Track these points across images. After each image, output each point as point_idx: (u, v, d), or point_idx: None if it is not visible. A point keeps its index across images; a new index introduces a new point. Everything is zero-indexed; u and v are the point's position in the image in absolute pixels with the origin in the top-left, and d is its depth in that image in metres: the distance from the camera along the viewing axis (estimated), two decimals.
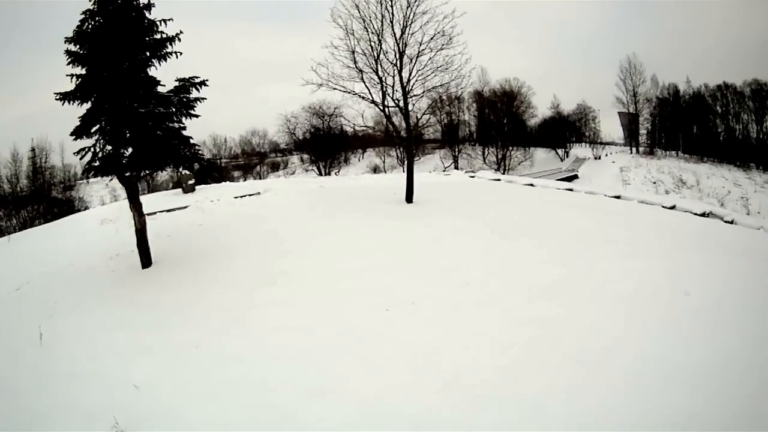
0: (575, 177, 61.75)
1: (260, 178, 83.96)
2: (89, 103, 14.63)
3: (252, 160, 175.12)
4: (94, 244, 18.98)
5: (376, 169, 76.77)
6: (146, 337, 11.01)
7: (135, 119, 14.57)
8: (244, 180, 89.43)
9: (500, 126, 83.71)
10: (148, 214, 18.32)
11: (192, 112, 15.78)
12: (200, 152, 16.60)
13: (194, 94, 15.78)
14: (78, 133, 14.70)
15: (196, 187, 30.28)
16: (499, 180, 38.12)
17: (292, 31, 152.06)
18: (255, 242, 17.40)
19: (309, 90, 24.15)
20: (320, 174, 55.71)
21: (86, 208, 68.63)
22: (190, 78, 15.69)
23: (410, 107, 24.86)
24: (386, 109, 24.85)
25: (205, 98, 16.03)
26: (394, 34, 23.69)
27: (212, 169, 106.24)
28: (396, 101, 24.60)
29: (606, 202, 27.22)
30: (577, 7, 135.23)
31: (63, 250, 19.03)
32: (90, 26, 14.41)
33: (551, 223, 19.55)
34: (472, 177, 40.90)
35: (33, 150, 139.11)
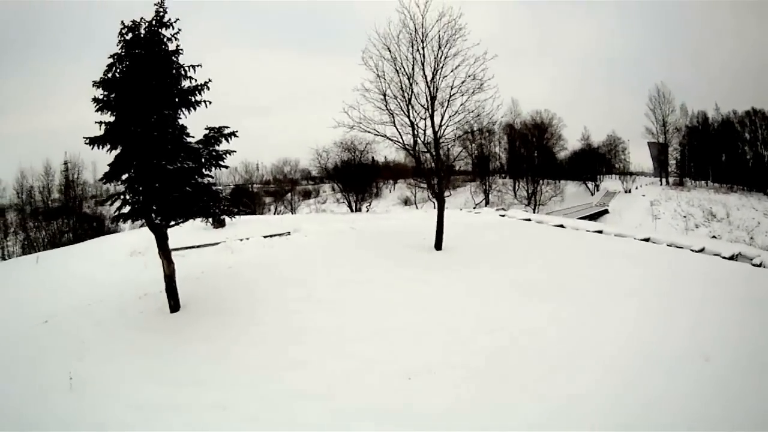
0: (606, 212, 62.13)
1: (291, 207, 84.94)
2: (118, 149, 15.15)
3: (284, 187, 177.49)
4: (123, 278, 19.84)
5: (406, 202, 77.68)
6: (175, 392, 11.42)
7: (163, 174, 14.92)
8: (275, 208, 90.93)
9: (531, 159, 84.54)
10: (177, 250, 19.52)
11: (221, 163, 16.39)
12: (230, 206, 17.49)
13: (223, 145, 16.25)
14: (108, 178, 15.56)
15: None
16: (529, 220, 38.84)
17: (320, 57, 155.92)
18: (282, 292, 18.15)
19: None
20: (351, 209, 56.73)
21: (115, 231, 70.87)
22: (220, 128, 16.18)
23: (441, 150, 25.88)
24: (417, 153, 25.91)
25: (235, 151, 16.57)
26: (425, 76, 24.57)
27: (243, 195, 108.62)
28: (427, 145, 25.63)
29: (635, 246, 27.52)
30: (604, 34, 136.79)
31: (91, 279, 20.25)
32: (117, 71, 14.92)
33: (577, 278, 19.96)
34: (503, 216, 41.82)
35: (66, 164, 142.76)
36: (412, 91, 24.80)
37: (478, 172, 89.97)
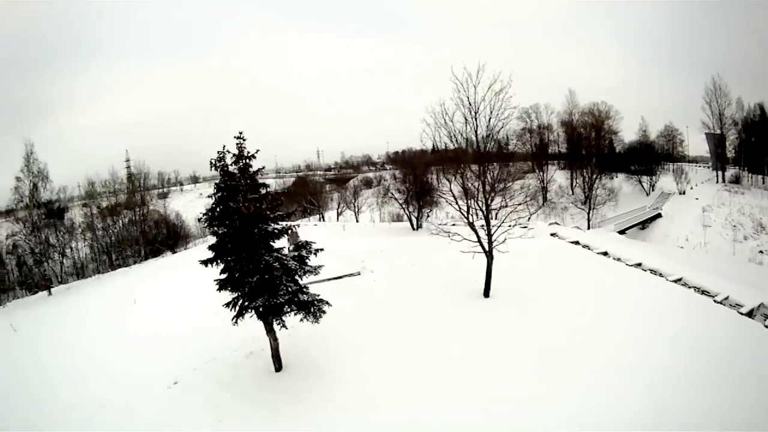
0: (659, 216, 64.35)
1: (354, 202, 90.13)
2: (223, 263, 20.20)
3: (345, 174, 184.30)
4: (223, 326, 22.79)
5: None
6: None
7: (265, 284, 19.81)
8: (338, 206, 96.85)
9: (588, 156, 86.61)
10: None
11: (306, 268, 20.99)
12: (321, 301, 21.34)
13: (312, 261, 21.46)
14: (222, 287, 20.54)
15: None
16: (577, 243, 42.88)
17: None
18: (358, 353, 23.43)
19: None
20: (412, 225, 60.37)
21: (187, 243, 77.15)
22: (307, 242, 21.56)
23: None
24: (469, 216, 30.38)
25: (322, 265, 21.75)
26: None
27: (306, 189, 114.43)
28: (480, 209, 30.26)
29: (663, 291, 31.03)
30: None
31: (195, 327, 27.05)
32: (218, 198, 19.98)
33: (593, 343, 23.41)
34: (553, 235, 45.87)
35: (128, 161, 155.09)
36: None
37: (536, 163, 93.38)
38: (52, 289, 53.31)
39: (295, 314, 20.86)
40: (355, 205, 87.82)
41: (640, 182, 79.62)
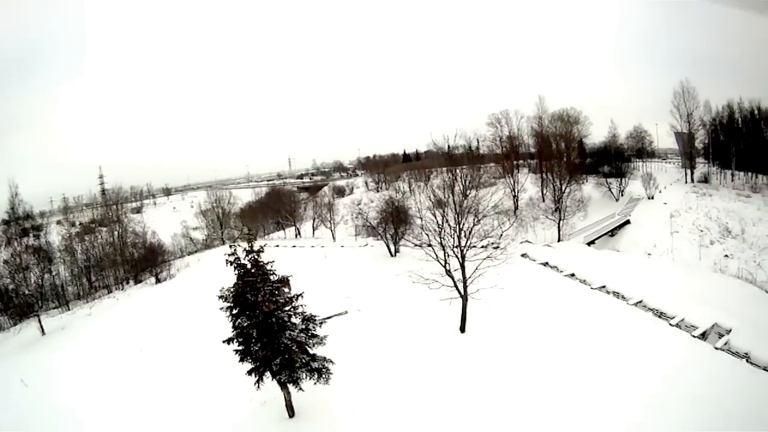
0: (627, 222, 65.84)
1: (331, 220, 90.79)
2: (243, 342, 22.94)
3: (317, 182, 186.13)
4: (240, 383, 25.83)
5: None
6: None
7: (285, 361, 22.60)
8: (313, 221, 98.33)
9: (558, 161, 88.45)
10: None
11: (315, 340, 23.90)
12: (326, 365, 23.85)
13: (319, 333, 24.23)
14: (242, 359, 23.03)
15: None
16: (546, 264, 44.84)
17: None
18: (358, 394, 25.96)
19: None
20: (390, 252, 61.87)
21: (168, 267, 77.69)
22: (312, 317, 24.16)
23: None
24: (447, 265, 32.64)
25: (326, 338, 24.31)
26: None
27: (280, 199, 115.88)
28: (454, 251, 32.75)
29: (623, 315, 33.12)
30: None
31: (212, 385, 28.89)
32: (237, 291, 22.64)
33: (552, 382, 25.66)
34: (524, 256, 47.55)
35: (101, 176, 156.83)
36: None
37: (507, 167, 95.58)
38: (44, 328, 52.70)
39: (309, 379, 23.46)
40: (332, 223, 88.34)
41: (610, 189, 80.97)
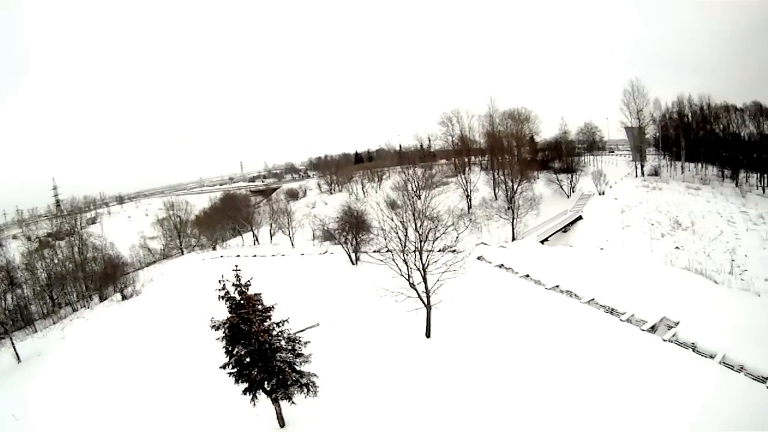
0: (580, 218, 66.80)
1: (289, 227, 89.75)
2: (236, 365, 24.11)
3: (270, 185, 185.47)
4: (231, 398, 26.83)
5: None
6: None
7: (273, 376, 24.21)
8: (270, 228, 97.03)
9: (509, 157, 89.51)
10: None
11: (302, 359, 25.38)
12: (313, 380, 25.40)
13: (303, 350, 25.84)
14: (237, 380, 24.23)
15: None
16: (502, 266, 45.12)
17: None
18: (339, 400, 27.33)
19: None
20: (351, 260, 61.88)
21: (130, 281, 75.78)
22: (298, 339, 25.73)
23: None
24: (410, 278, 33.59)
25: (310, 359, 25.77)
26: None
27: (234, 204, 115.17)
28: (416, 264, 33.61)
29: (576, 313, 33.76)
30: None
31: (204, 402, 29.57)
32: (231, 323, 23.85)
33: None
34: (480, 259, 47.72)
35: (55, 188, 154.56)
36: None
37: (459, 166, 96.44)
38: (19, 355, 50.82)
39: (299, 393, 25.13)
40: (290, 229, 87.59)
41: (561, 186, 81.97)
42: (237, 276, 24.32)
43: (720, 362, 25.58)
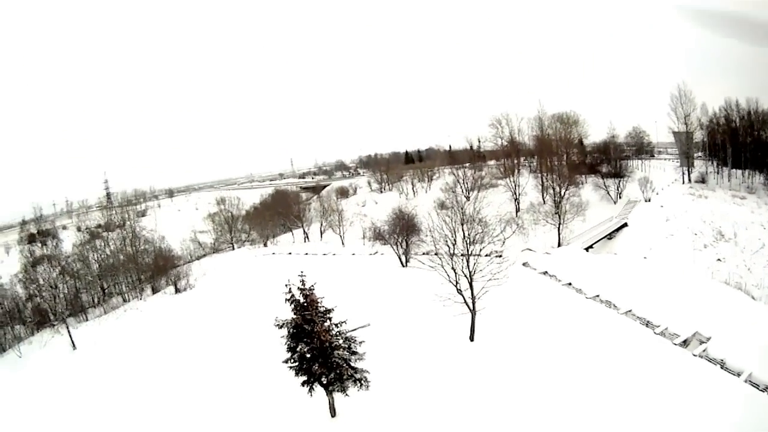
0: (625, 225, 68.30)
1: (340, 226, 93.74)
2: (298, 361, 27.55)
3: (321, 182, 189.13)
4: (289, 389, 30.51)
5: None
6: None
7: (331, 371, 27.48)
8: (321, 225, 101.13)
9: (558, 160, 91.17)
10: None
11: (357, 356, 28.70)
12: (365, 375, 28.58)
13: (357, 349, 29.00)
14: (297, 373, 27.78)
15: None
16: (546, 273, 48.04)
17: None
18: (386, 396, 30.27)
19: None
20: (400, 261, 65.67)
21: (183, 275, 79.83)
22: (353, 338, 28.96)
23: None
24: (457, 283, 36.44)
25: (364, 357, 29.05)
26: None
27: (285, 202, 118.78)
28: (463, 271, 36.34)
29: (614, 324, 36.29)
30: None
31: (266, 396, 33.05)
32: (294, 323, 27.30)
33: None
34: (525, 265, 50.44)
35: (106, 181, 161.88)
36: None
37: (509, 170, 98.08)
38: (75, 342, 55.46)
39: (353, 387, 28.20)
40: (341, 229, 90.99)
41: (608, 191, 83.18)
42: (302, 281, 27.25)
43: (745, 380, 26.78)
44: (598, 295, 41.37)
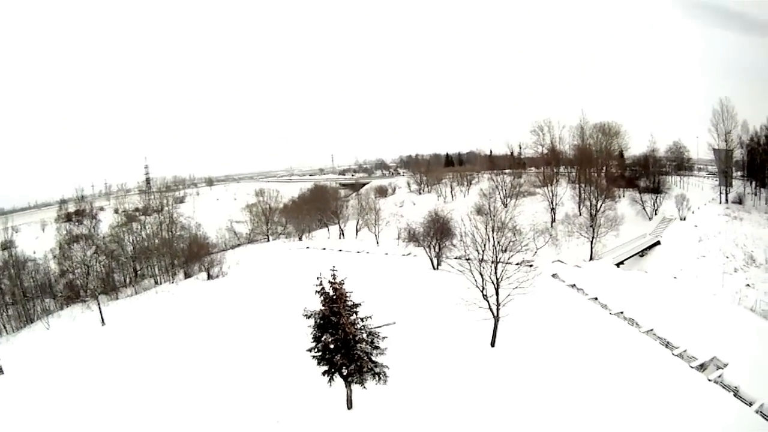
0: (657, 243, 69.01)
1: (376, 225, 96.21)
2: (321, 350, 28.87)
3: (360, 180, 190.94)
4: (309, 380, 32.47)
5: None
6: None
7: (352, 362, 28.91)
8: (357, 223, 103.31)
9: (597, 172, 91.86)
10: None
11: (378, 351, 30.06)
12: (384, 370, 29.95)
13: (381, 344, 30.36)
14: (319, 363, 29.29)
15: None
16: (574, 286, 49.56)
17: None
18: (404, 392, 31.48)
19: None
20: (432, 264, 67.81)
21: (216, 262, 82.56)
22: (377, 333, 30.39)
23: None
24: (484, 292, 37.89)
25: (385, 352, 30.32)
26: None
27: (322, 197, 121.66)
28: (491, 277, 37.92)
29: (632, 343, 37.42)
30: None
31: (291, 385, 34.41)
32: (322, 314, 28.83)
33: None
34: (554, 276, 51.94)
35: (146, 167, 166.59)
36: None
37: (548, 179, 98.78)
38: (104, 317, 58.95)
39: (371, 380, 29.54)
40: (377, 228, 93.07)
41: (644, 207, 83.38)
42: (333, 275, 28.52)
43: (756, 411, 26.99)
44: (622, 312, 42.87)
